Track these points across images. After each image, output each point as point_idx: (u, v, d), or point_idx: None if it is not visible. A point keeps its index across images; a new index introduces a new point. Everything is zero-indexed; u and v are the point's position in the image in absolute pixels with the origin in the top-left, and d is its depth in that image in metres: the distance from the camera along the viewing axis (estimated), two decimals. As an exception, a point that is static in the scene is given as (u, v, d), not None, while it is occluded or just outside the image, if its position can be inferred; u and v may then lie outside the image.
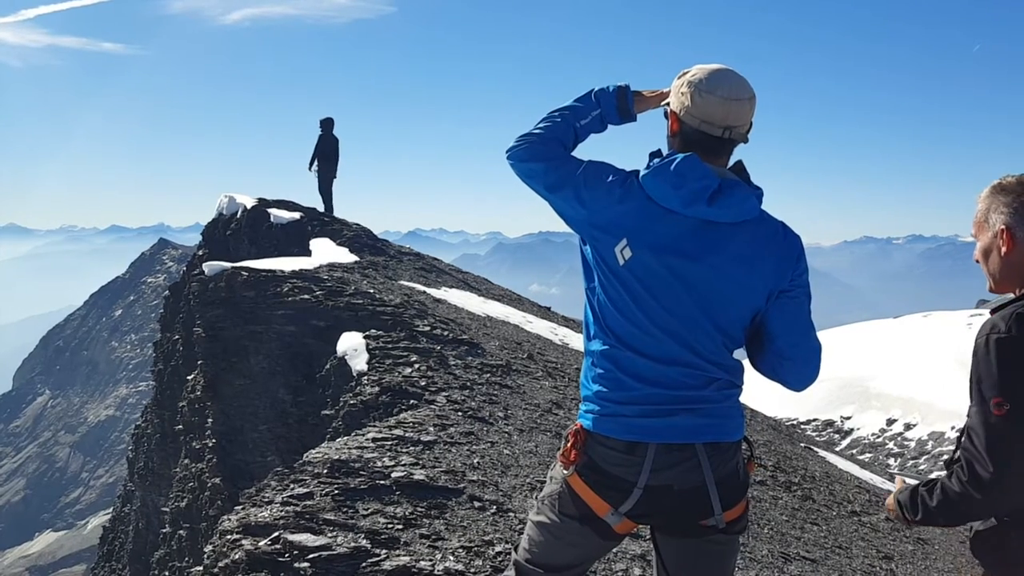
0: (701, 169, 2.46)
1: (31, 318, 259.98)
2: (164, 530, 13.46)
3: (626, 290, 2.51)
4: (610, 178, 2.53)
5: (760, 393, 31.28)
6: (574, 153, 2.72)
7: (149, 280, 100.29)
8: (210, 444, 11.37)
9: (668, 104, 2.63)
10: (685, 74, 2.56)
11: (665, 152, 2.58)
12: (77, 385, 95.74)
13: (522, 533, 2.84)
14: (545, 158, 2.63)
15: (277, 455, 9.70)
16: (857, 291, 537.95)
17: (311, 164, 18.47)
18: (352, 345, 8.84)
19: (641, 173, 2.52)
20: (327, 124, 18.39)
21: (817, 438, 29.46)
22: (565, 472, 2.56)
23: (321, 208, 18.76)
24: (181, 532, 12.30)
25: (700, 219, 2.49)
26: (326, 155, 18.39)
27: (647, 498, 2.48)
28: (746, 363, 2.73)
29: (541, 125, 2.71)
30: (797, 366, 2.75)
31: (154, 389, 18.57)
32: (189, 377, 13.53)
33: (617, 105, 2.76)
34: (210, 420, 11.53)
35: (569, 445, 2.55)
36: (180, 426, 13.61)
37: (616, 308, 2.54)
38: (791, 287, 2.63)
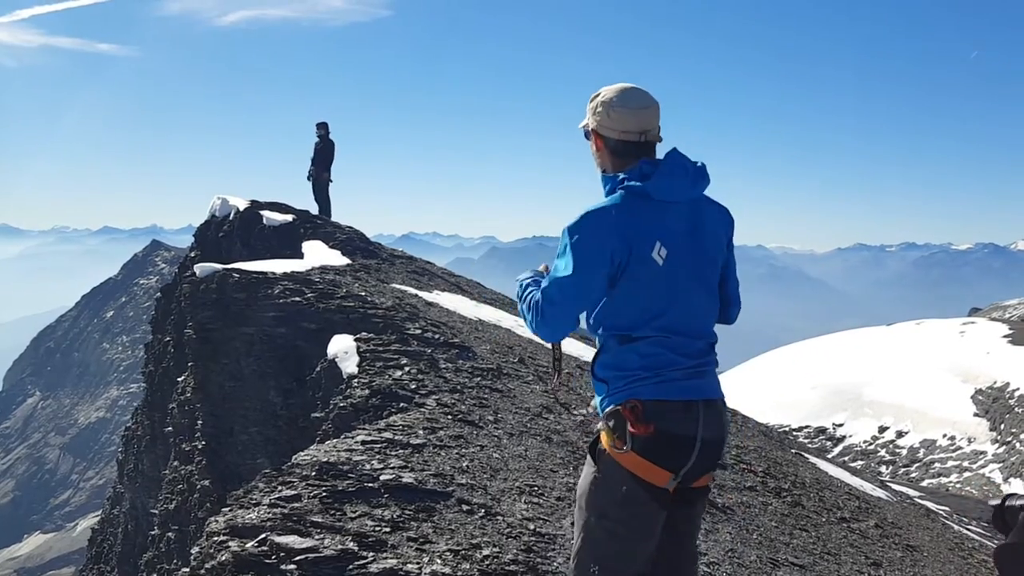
0: (685, 158, 2.97)
1: (22, 319, 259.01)
2: (153, 532, 13.40)
3: (668, 283, 2.88)
4: (598, 242, 2.84)
5: (752, 400, 31.34)
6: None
7: (141, 282, 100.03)
8: (200, 446, 11.33)
9: (587, 127, 3.06)
10: (596, 97, 3.01)
11: (600, 169, 3.06)
12: (68, 386, 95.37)
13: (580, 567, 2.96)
14: (573, 318, 2.97)
15: (267, 457, 9.67)
16: (850, 298, 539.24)
17: (310, 173, 18.49)
18: (343, 347, 8.82)
19: (633, 184, 2.89)
20: (324, 128, 18.43)
21: (809, 445, 29.50)
22: (620, 450, 2.80)
23: (314, 211, 18.74)
24: (170, 534, 12.24)
25: (690, 200, 2.96)
26: (322, 160, 18.45)
27: (702, 452, 2.83)
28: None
29: (537, 311, 2.99)
30: (736, 307, 3.22)
31: (145, 391, 18.50)
32: (179, 379, 13.48)
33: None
34: (200, 422, 11.49)
35: (631, 420, 2.78)
36: (170, 428, 13.56)
37: (659, 300, 2.88)
38: (730, 240, 3.12)
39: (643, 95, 2.98)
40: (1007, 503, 2.76)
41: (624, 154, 2.98)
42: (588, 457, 2.98)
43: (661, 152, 3.04)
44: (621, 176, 2.93)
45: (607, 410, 2.87)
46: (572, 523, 3.20)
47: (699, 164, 2.98)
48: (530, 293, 3.04)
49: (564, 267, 2.87)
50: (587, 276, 2.85)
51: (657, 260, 2.84)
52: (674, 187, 2.90)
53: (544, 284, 2.95)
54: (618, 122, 2.94)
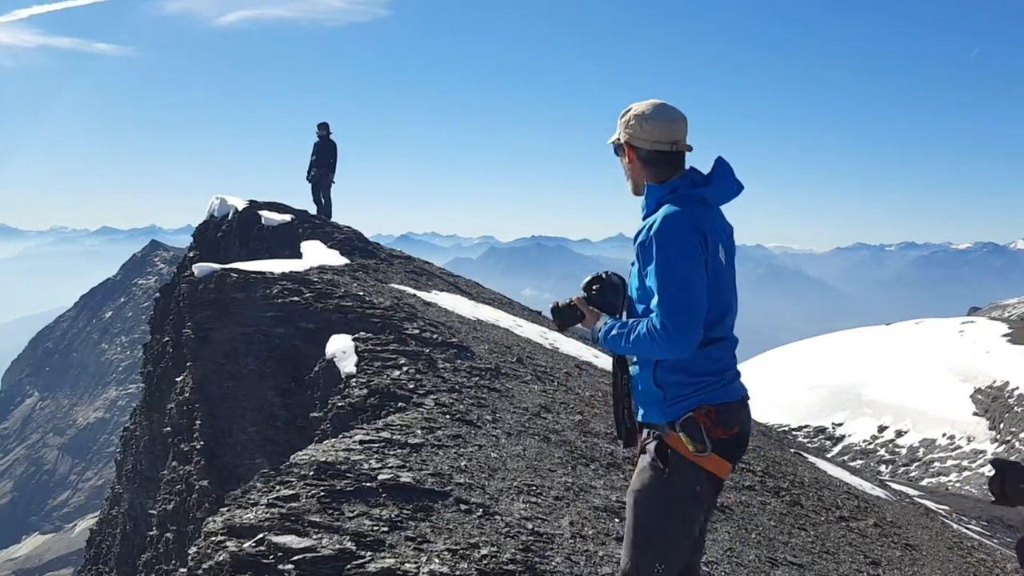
0: (729, 164, 3.18)
1: (20, 319, 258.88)
2: (151, 533, 13.39)
3: (729, 283, 3.10)
4: (691, 237, 2.97)
5: (751, 400, 31.20)
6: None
7: (140, 282, 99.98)
8: (198, 446, 11.31)
9: (618, 141, 3.23)
10: (628, 112, 3.17)
11: (631, 182, 3.23)
12: (66, 387, 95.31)
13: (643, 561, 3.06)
14: (703, 322, 2.99)
15: (265, 457, 9.65)
16: (849, 298, 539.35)
17: (312, 174, 18.45)
18: (341, 347, 8.81)
19: (690, 191, 3.06)
20: (324, 129, 18.39)
21: (809, 444, 29.49)
22: (704, 454, 2.94)
23: (312, 211, 18.72)
24: (168, 535, 12.23)
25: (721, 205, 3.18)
26: (325, 160, 18.40)
27: (747, 444, 3.13)
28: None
29: (665, 332, 2.97)
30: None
31: (143, 391, 18.49)
32: (178, 379, 13.47)
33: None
34: (198, 422, 11.47)
35: (708, 425, 2.95)
36: (168, 428, 13.54)
37: (725, 299, 3.09)
38: None
39: (673, 109, 3.15)
40: (1008, 474, 2.91)
41: (656, 164, 3.14)
42: (648, 462, 3.06)
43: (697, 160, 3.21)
44: (673, 184, 3.09)
45: (682, 418, 2.98)
46: (622, 525, 3.36)
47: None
48: (633, 327, 3.03)
49: (677, 273, 2.93)
50: (699, 272, 2.95)
51: (722, 259, 3.04)
52: (725, 193, 3.13)
53: (657, 301, 2.94)
54: (651, 133, 3.10)
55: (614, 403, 3.33)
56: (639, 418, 3.17)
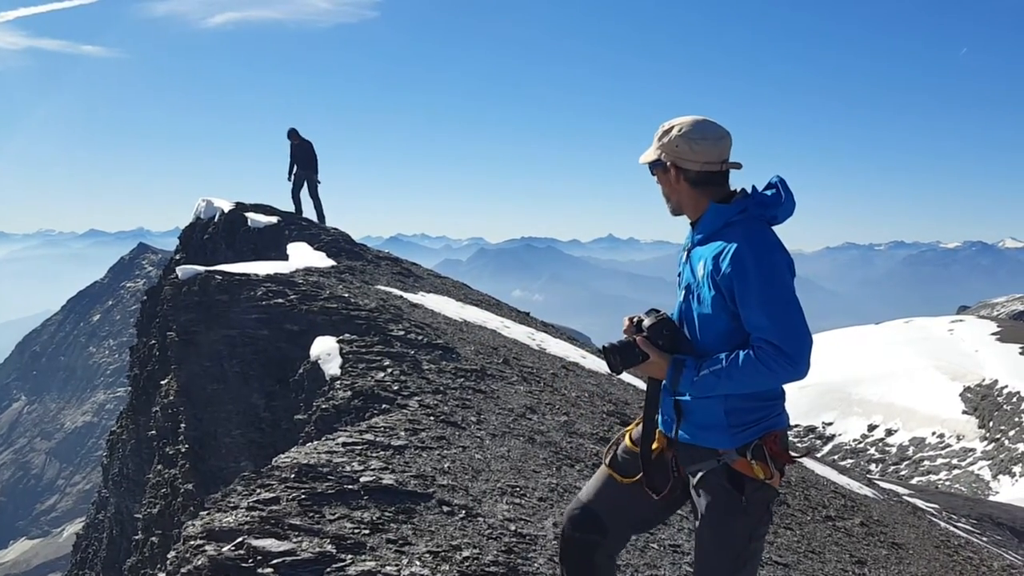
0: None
1: (7, 323, 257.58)
2: (137, 537, 13.31)
3: None
4: (785, 260, 2.93)
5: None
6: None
7: (128, 285, 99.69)
8: (183, 450, 11.25)
9: (658, 160, 3.07)
10: (671, 130, 3.04)
11: (671, 201, 3.11)
12: (54, 391, 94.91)
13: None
14: (806, 355, 2.89)
15: (250, 460, 9.60)
16: (839, 297, 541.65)
17: (290, 174, 18.38)
18: (325, 349, 8.76)
19: (760, 215, 2.98)
20: (295, 135, 18.28)
21: (799, 444, 29.57)
22: (772, 479, 2.93)
23: (302, 214, 18.64)
24: (153, 539, 12.15)
25: None
26: (306, 163, 18.32)
27: None
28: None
29: (782, 356, 2.87)
30: None
31: (129, 394, 18.39)
32: (163, 382, 13.39)
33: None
34: (183, 425, 11.41)
35: (777, 452, 2.94)
36: (153, 431, 13.46)
37: None
38: None
39: (717, 125, 3.05)
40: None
41: (705, 184, 3.03)
42: (720, 494, 2.95)
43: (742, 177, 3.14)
44: (743, 204, 2.97)
45: (750, 445, 2.93)
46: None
47: None
48: (732, 361, 2.88)
49: (786, 294, 2.87)
50: (796, 296, 2.90)
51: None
52: (788, 213, 3.05)
53: (768, 327, 2.83)
54: (701, 154, 2.99)
55: (643, 450, 3.14)
56: (683, 439, 3.05)
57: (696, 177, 3.02)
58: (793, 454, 3.00)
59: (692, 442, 3.02)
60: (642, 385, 10.66)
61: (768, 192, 3.04)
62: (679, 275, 3.15)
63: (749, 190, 3.04)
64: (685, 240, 3.16)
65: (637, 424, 3.25)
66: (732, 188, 3.07)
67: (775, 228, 3.01)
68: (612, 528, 3.20)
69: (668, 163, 3.05)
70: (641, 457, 3.16)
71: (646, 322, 3.10)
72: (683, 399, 3.04)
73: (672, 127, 3.04)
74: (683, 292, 3.09)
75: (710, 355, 2.93)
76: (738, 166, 3.06)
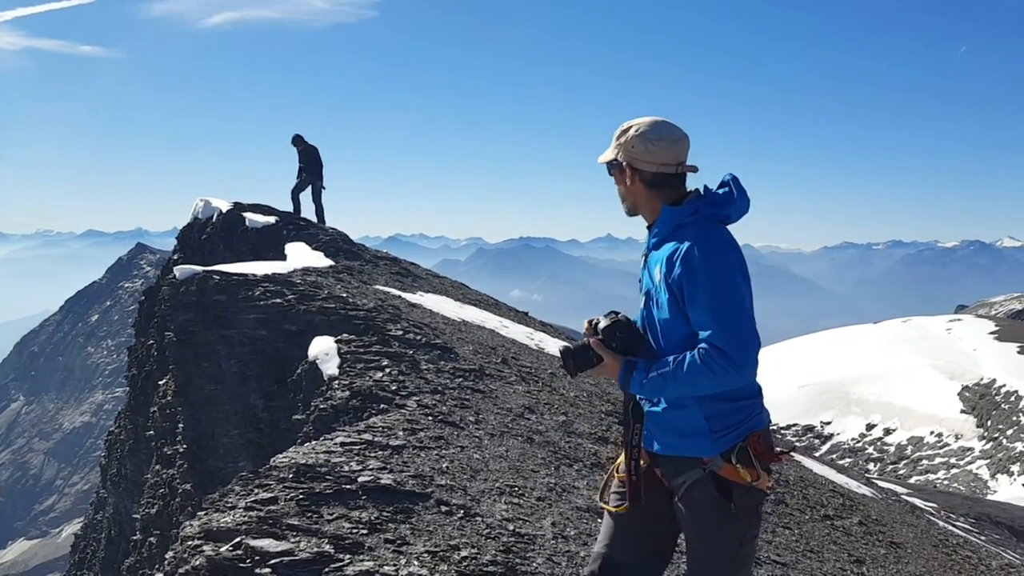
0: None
1: (6, 324, 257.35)
2: (135, 537, 13.29)
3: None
4: (737, 256, 2.91)
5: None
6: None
7: (126, 285, 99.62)
8: (181, 450, 11.23)
9: (615, 160, 3.04)
10: (628, 131, 3.00)
11: (626, 202, 3.08)
12: (52, 391, 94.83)
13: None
14: (757, 355, 2.86)
15: (248, 460, 9.59)
16: (837, 296, 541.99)
17: (304, 186, 18.43)
18: (324, 349, 8.75)
19: (712, 215, 2.94)
20: (299, 139, 18.38)
21: (797, 443, 29.59)
22: (758, 480, 2.88)
23: (300, 214, 18.64)
24: (152, 539, 12.14)
25: None
26: (313, 168, 18.41)
27: None
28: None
29: (725, 359, 2.81)
30: None
31: (128, 395, 18.38)
32: (161, 382, 13.38)
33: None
34: (181, 425, 11.39)
35: (762, 452, 2.88)
36: (151, 432, 13.45)
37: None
38: None
39: (676, 128, 3.01)
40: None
41: (660, 186, 2.99)
42: (707, 500, 2.90)
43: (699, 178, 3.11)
44: (694, 205, 2.94)
45: (734, 449, 2.87)
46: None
47: None
48: (678, 364, 2.83)
49: (734, 295, 2.80)
50: (749, 293, 2.86)
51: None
52: (742, 212, 3.02)
53: (713, 329, 2.77)
54: (656, 155, 2.96)
55: (628, 456, 3.07)
56: (658, 450, 2.99)
57: (651, 179, 2.99)
58: (779, 450, 2.96)
59: (675, 453, 2.96)
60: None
61: (720, 191, 3.00)
62: (640, 281, 3.10)
63: (703, 191, 3.01)
64: (644, 245, 3.11)
65: (621, 455, 3.15)
66: (688, 189, 3.04)
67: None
68: (636, 566, 3.08)
69: (624, 163, 3.02)
70: (627, 466, 3.07)
71: (601, 324, 3.06)
72: (655, 409, 2.98)
73: (630, 127, 3.01)
74: (643, 298, 3.05)
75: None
76: (694, 169, 3.02)
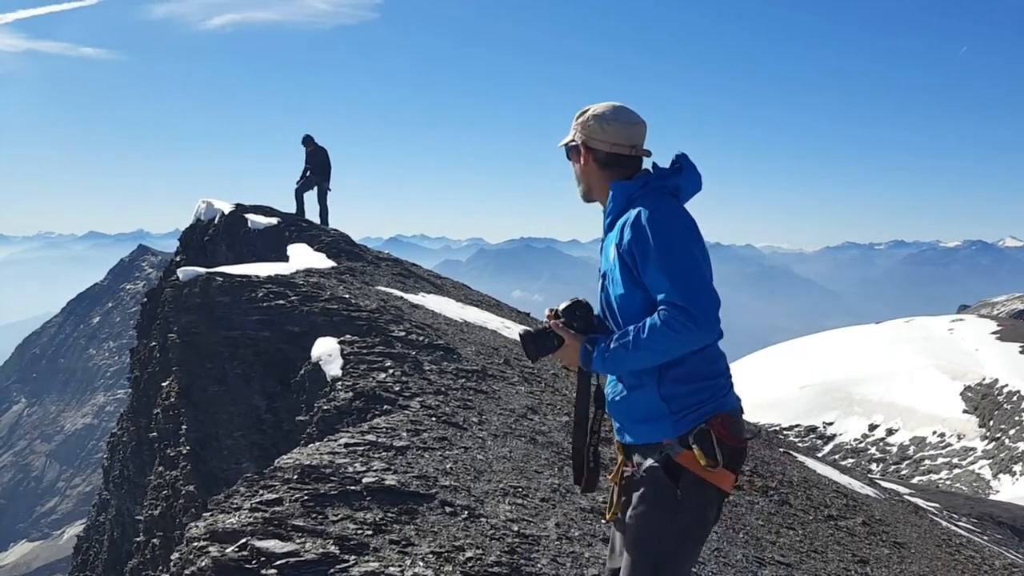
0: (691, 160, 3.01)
1: (7, 325, 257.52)
2: (138, 539, 13.29)
3: (711, 275, 2.85)
4: (685, 219, 2.87)
5: (742, 399, 31.23)
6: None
7: (128, 286, 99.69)
8: (184, 451, 11.24)
9: (572, 142, 3.06)
10: (585, 112, 3.04)
11: (582, 185, 3.08)
12: (54, 393, 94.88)
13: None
14: (717, 311, 2.75)
15: (252, 462, 9.59)
16: (839, 297, 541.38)
17: (309, 186, 18.43)
18: (327, 350, 8.76)
19: (661, 186, 2.92)
20: (310, 142, 18.38)
21: (800, 444, 29.56)
22: (715, 469, 2.73)
23: (304, 215, 18.64)
24: (155, 541, 12.14)
25: None
26: (320, 169, 18.41)
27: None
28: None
29: (678, 323, 2.72)
30: None
31: (130, 396, 18.39)
32: (164, 384, 13.39)
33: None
34: (184, 427, 11.40)
35: (725, 436, 2.75)
36: (155, 433, 13.45)
37: (715, 291, 2.83)
38: None
39: (633, 112, 3.01)
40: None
41: (613, 166, 2.99)
42: (652, 485, 2.80)
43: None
44: (644, 179, 2.93)
45: (694, 430, 2.75)
46: (617, 544, 3.02)
47: None
48: (638, 330, 2.75)
49: (685, 252, 2.75)
50: (704, 253, 2.81)
51: (706, 251, 2.87)
52: (693, 185, 2.98)
53: (669, 288, 2.71)
54: (611, 135, 2.97)
55: (576, 443, 3.06)
56: (629, 441, 2.91)
57: (605, 158, 3.00)
58: (747, 436, 2.85)
59: (640, 442, 2.87)
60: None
61: (670, 167, 3.00)
62: (599, 269, 3.04)
63: (652, 168, 3.01)
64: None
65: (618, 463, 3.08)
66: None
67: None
68: None
69: (579, 143, 3.04)
70: (573, 452, 3.10)
71: (561, 307, 3.03)
72: (616, 398, 2.92)
73: (588, 109, 3.04)
74: (600, 281, 3.01)
75: None
76: (648, 153, 3.01)
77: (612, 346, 2.79)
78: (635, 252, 2.78)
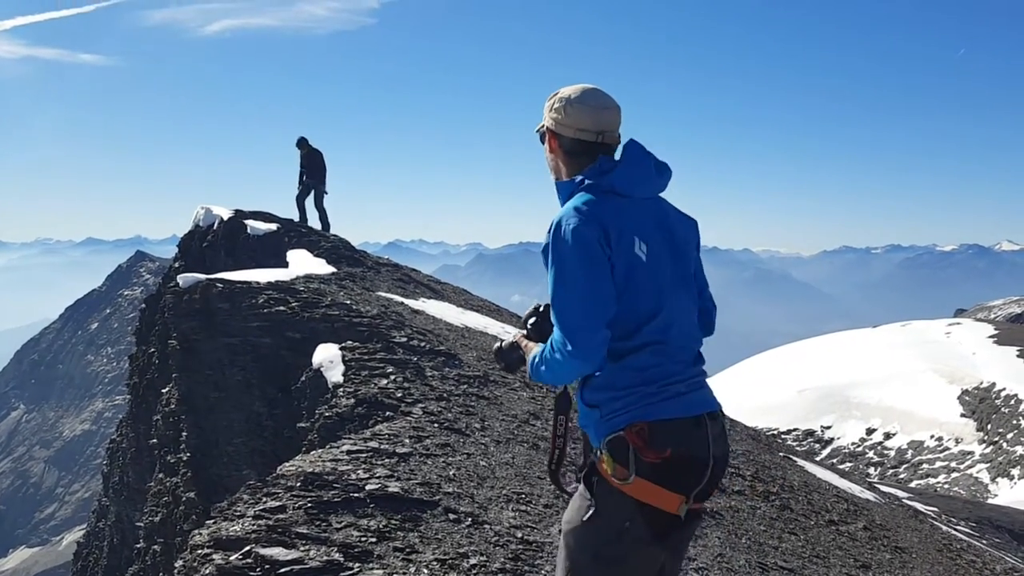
0: (643, 147, 2.77)
1: (5, 332, 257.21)
2: (138, 545, 13.28)
3: (654, 282, 2.64)
4: (588, 234, 2.57)
5: (740, 404, 31.37)
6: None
7: (126, 293, 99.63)
8: (185, 458, 11.23)
9: (543, 128, 2.85)
10: (554, 96, 2.81)
11: (553, 175, 2.86)
12: (52, 399, 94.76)
13: None
14: (604, 333, 2.58)
15: (253, 468, 9.59)
16: (836, 301, 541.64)
17: (307, 192, 18.40)
18: (328, 357, 8.76)
19: (596, 180, 2.68)
20: (305, 144, 18.35)
21: (798, 448, 29.56)
22: (625, 482, 2.51)
23: (307, 222, 18.63)
24: (155, 547, 12.13)
25: (652, 196, 2.78)
26: (315, 172, 18.37)
27: (714, 471, 2.59)
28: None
29: (559, 351, 2.61)
30: (713, 315, 3.00)
31: (129, 403, 18.37)
32: (164, 390, 13.38)
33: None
34: (185, 434, 11.40)
35: (639, 446, 2.50)
36: (155, 440, 13.44)
37: (649, 300, 2.64)
38: (698, 244, 2.93)
39: (604, 95, 2.78)
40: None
41: (579, 154, 2.76)
42: (582, 487, 2.68)
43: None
44: (579, 177, 2.72)
45: (607, 438, 2.56)
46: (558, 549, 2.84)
47: (656, 159, 2.81)
48: (545, 349, 2.67)
49: (567, 277, 2.56)
50: (596, 274, 2.54)
51: (640, 256, 2.60)
52: (636, 178, 2.71)
53: (553, 313, 2.60)
54: (575, 119, 2.74)
55: (551, 445, 2.99)
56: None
57: (569, 145, 2.78)
58: (667, 451, 2.51)
59: (591, 445, 2.74)
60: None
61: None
62: None
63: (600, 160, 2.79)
64: None
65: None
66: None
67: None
68: None
69: (547, 128, 2.84)
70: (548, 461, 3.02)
71: (524, 317, 2.93)
72: (577, 400, 2.78)
73: (557, 93, 2.82)
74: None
75: None
76: (616, 140, 2.77)
77: (535, 360, 2.72)
78: (546, 265, 2.66)
